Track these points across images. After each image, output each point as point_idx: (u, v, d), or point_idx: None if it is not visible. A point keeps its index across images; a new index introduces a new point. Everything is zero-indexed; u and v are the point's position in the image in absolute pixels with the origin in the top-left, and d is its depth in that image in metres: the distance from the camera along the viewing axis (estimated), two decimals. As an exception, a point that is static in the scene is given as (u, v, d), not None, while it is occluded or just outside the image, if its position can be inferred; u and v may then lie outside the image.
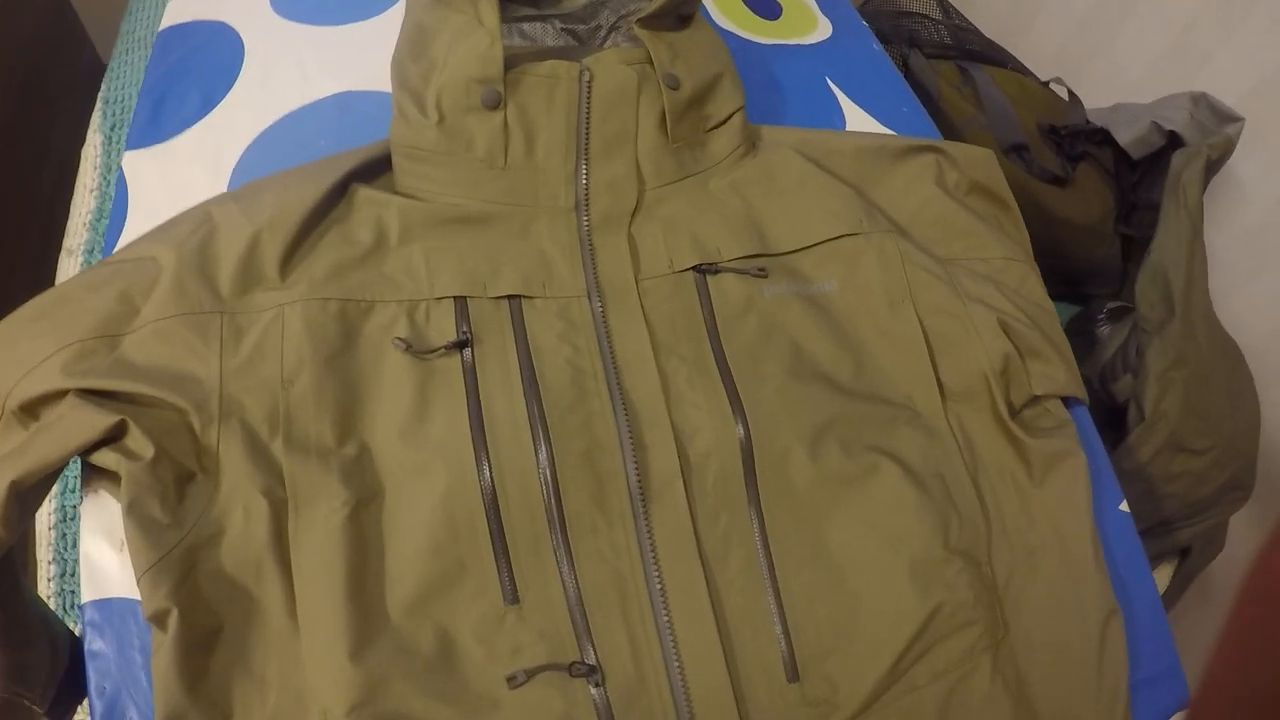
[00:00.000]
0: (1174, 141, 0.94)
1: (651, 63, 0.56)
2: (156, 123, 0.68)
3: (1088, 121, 1.01)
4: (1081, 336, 0.98)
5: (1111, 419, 0.91)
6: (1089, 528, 0.54)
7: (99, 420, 0.45)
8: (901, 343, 0.57)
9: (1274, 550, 0.45)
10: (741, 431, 0.51)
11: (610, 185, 0.56)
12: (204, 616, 0.44)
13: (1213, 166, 0.88)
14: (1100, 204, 1.00)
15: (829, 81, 0.80)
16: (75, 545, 0.56)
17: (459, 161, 0.55)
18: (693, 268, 0.56)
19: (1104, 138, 0.99)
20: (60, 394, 0.46)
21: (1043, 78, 1.09)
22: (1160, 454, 0.87)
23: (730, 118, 0.60)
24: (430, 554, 0.46)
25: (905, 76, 0.87)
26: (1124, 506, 0.60)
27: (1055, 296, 0.65)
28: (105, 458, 0.45)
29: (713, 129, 0.60)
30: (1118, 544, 0.58)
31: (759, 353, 0.54)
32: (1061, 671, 0.51)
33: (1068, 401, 0.60)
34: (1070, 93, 1.06)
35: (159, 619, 0.43)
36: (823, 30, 0.87)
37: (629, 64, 0.56)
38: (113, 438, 0.46)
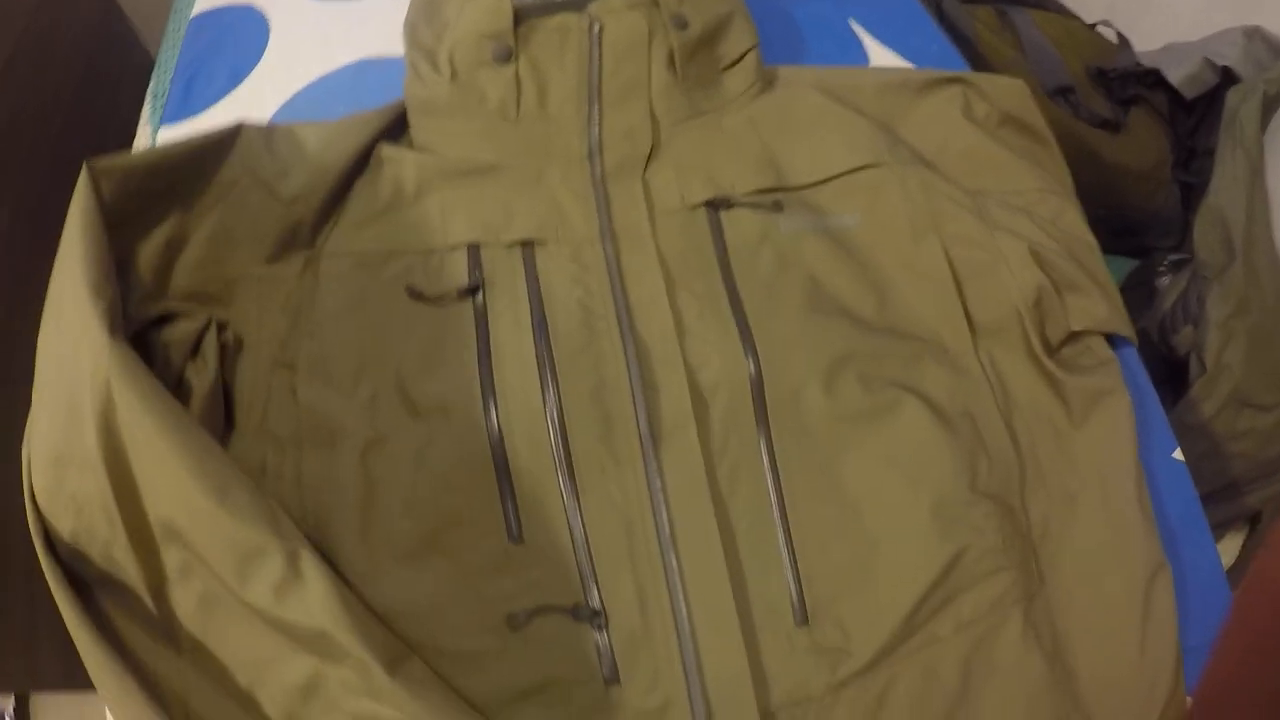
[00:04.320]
0: (1228, 78, 0.90)
1: (658, 4, 0.56)
2: (188, 100, 0.71)
3: (1138, 64, 0.97)
4: (1140, 289, 0.94)
5: (1172, 374, 0.88)
6: (1133, 472, 0.51)
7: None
8: (927, 276, 0.55)
9: (1276, 548, 0.42)
10: (752, 366, 0.50)
11: (626, 133, 0.56)
12: None
13: (1270, 103, 0.84)
14: (1156, 149, 0.96)
15: (853, 23, 0.78)
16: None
17: (472, 115, 0.56)
18: (705, 203, 0.55)
19: (1156, 79, 0.95)
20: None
21: (1089, 21, 1.05)
22: (1224, 409, 0.83)
23: (743, 57, 0.60)
24: (439, 492, 0.46)
25: (939, 22, 0.84)
26: (1178, 455, 0.56)
27: (1114, 249, 0.61)
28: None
29: (726, 69, 0.59)
30: (1169, 495, 0.54)
31: (774, 287, 0.53)
32: (1103, 630, 0.48)
33: (1114, 341, 0.57)
34: (1119, 35, 1.02)
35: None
36: (847, -28, 0.85)
37: (635, 8, 0.56)
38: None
